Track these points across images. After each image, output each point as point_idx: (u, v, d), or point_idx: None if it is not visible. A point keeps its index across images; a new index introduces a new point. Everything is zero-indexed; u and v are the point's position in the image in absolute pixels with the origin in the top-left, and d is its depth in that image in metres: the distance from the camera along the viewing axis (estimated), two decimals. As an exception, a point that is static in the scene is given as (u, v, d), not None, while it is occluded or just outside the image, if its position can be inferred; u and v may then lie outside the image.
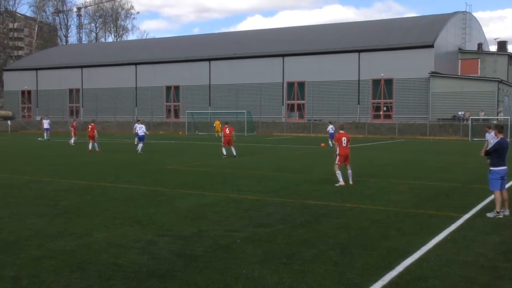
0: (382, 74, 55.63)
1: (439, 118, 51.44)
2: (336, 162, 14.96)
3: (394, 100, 55.78)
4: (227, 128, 25.05)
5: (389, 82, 55.96)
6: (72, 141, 34.64)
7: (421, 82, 54.05)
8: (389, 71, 55.20)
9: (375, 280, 6.37)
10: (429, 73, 53.29)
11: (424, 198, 12.81)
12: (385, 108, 56.85)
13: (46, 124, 43.56)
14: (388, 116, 56.15)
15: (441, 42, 56.42)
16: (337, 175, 14.85)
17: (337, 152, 15.03)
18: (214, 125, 51.55)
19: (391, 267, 6.86)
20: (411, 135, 49.46)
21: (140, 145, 27.47)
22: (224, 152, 24.72)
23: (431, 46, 54.04)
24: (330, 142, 32.41)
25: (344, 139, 15.15)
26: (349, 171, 15.14)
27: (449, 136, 47.37)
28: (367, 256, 7.47)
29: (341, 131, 15.54)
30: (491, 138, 16.60)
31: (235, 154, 24.65)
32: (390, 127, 52.64)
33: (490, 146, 16.44)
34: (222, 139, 25.10)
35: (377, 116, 56.95)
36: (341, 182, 14.70)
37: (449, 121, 50.69)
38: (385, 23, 65.89)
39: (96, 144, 28.80)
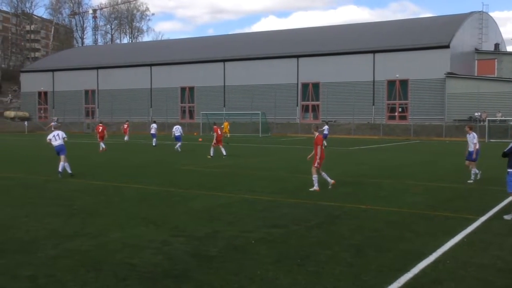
0: (397, 75, 55.30)
1: (455, 119, 50.98)
2: (315, 165, 14.16)
3: (410, 101, 55.42)
4: (219, 129, 25.61)
5: (404, 83, 55.61)
6: (126, 138, 39.05)
7: (437, 83, 53.63)
8: (405, 71, 54.86)
9: (390, 282, 6.32)
10: (445, 74, 52.86)
11: (439, 200, 12.70)
12: (400, 109, 56.51)
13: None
14: (403, 117, 55.80)
15: (457, 43, 55.93)
16: (314, 179, 14.12)
17: (319, 155, 14.16)
18: (222, 126, 51.45)
19: (406, 269, 6.80)
20: (426, 136, 49.08)
21: (179, 144, 29.46)
22: (212, 154, 24.87)
23: (447, 46, 53.60)
24: (324, 142, 32.80)
25: (324, 142, 14.64)
26: (323, 173, 14.37)
27: (465, 138, 46.86)
28: (382, 257, 7.42)
29: (316, 133, 14.51)
30: (472, 139, 16.40)
31: (224, 154, 24.82)
32: (405, 128, 52.31)
33: (470, 147, 16.33)
34: (214, 140, 25.26)
35: (392, 117, 56.62)
36: (317, 187, 14.03)
37: (466, 122, 50.20)
38: (400, 24, 65.51)
39: (102, 144, 30.56)
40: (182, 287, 6.16)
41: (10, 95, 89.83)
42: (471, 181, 15.87)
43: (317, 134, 14.45)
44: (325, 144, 32.73)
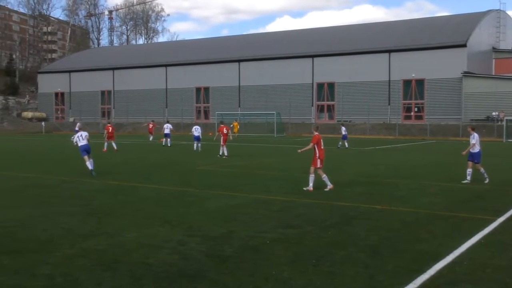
0: (413, 75, 54.92)
1: (472, 119, 50.45)
2: (315, 164, 14.04)
3: (426, 101, 55.01)
4: (224, 128, 25.88)
5: (420, 82, 55.21)
6: (151, 138, 40.06)
7: (454, 82, 53.16)
8: (421, 71, 54.45)
9: (406, 283, 6.27)
10: (461, 73, 52.37)
11: (456, 201, 12.59)
12: (416, 109, 56.11)
13: (77, 127, 45.19)
14: (419, 117, 55.40)
15: (474, 41, 55.36)
16: (310, 178, 13.98)
17: (317, 155, 14.04)
18: (232, 125, 51.30)
19: (422, 270, 6.74)
20: (443, 136, 48.66)
21: (199, 145, 29.93)
22: (221, 152, 25.34)
23: (464, 45, 53.10)
24: (340, 143, 33.79)
25: (321, 141, 14.30)
26: (325, 176, 14.15)
27: (483, 137, 46.36)
28: (398, 258, 7.37)
29: (316, 133, 14.41)
30: (471, 139, 16.14)
31: (226, 154, 25.17)
32: (422, 128, 51.92)
33: (473, 147, 16.04)
34: (221, 139, 25.59)
35: (408, 117, 56.24)
36: (310, 187, 13.92)
37: (483, 122, 49.67)
38: (416, 23, 65.02)
39: (107, 144, 30.68)
40: (197, 287, 6.18)
41: (27, 96, 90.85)
42: (467, 181, 15.58)
43: (315, 133, 14.37)
44: (346, 145, 32.98)
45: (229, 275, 6.60)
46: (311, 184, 14.02)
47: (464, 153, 16.50)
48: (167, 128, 35.40)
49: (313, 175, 14.05)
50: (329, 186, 14.02)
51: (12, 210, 11.08)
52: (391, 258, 7.39)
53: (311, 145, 14.25)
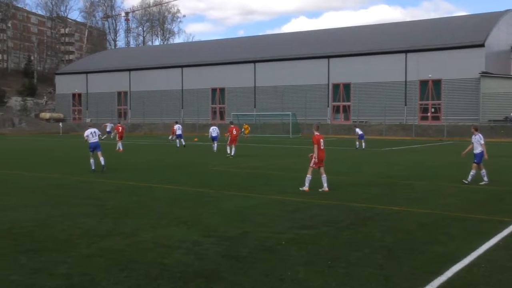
0: (430, 75, 54.49)
1: (490, 120, 49.91)
2: (311, 165, 14.04)
3: (443, 101, 54.55)
4: (234, 129, 26.37)
5: (437, 83, 54.76)
6: (170, 137, 40.23)
7: (471, 83, 52.64)
8: (438, 71, 54.01)
9: (423, 286, 6.22)
10: (479, 73, 51.84)
11: (474, 202, 12.46)
12: (433, 110, 55.65)
13: (108, 127, 47.42)
14: (436, 118, 54.94)
15: (493, 41, 54.76)
16: (307, 179, 14.00)
17: (315, 155, 14.00)
18: (243, 129, 51.14)
19: (439, 272, 6.69)
20: (460, 137, 48.12)
21: (215, 145, 30.18)
22: (228, 151, 25.89)
23: (482, 45, 52.56)
24: (357, 143, 33.88)
25: (322, 141, 14.26)
26: (324, 176, 14.11)
27: (501, 138, 45.86)
28: (414, 260, 7.32)
29: (317, 133, 14.31)
30: (476, 140, 15.82)
31: (232, 153, 25.66)
32: (438, 129, 51.49)
33: (476, 149, 15.73)
34: (228, 139, 26.16)
35: (424, 118, 55.82)
36: (306, 188, 13.94)
37: (501, 122, 49.11)
38: (433, 23, 64.52)
39: (119, 144, 31.49)
40: (212, 287, 6.20)
41: (45, 97, 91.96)
42: (467, 182, 15.39)
43: (316, 133, 14.32)
44: (363, 145, 33.06)
45: (244, 275, 6.61)
46: (307, 184, 14.06)
47: (463, 153, 16.27)
48: (179, 129, 35.86)
49: (310, 176, 14.07)
50: (325, 188, 13.93)
51: (32, 210, 11.22)
52: (407, 259, 7.34)
53: (315, 147, 14.15)
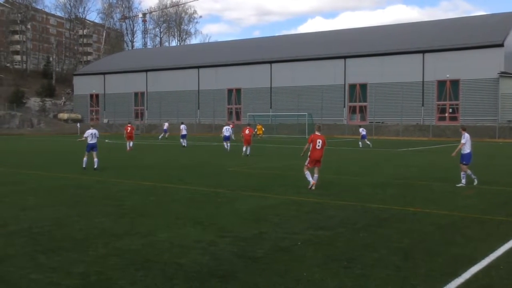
0: (447, 75, 53.97)
1: (510, 120, 49.27)
2: (306, 163, 14.46)
3: (461, 102, 54.00)
4: (247, 129, 27.19)
5: (455, 83, 54.22)
6: (161, 137, 42.33)
7: (490, 83, 52.03)
8: (456, 71, 53.48)
9: (440, 287, 6.17)
10: (498, 73, 51.22)
11: (493, 204, 12.31)
12: (450, 110, 55.10)
13: (165, 126, 49.97)
14: (454, 118, 54.41)
15: (512, 41, 54.09)
16: (306, 175, 14.39)
17: (309, 154, 14.30)
18: (256, 129, 51.14)
19: (457, 274, 6.62)
20: (479, 137, 47.57)
21: (228, 145, 30.82)
22: (244, 151, 26.67)
23: (501, 45, 51.94)
24: (360, 143, 36.10)
25: (320, 142, 14.29)
26: (316, 176, 14.33)
27: (520, 139, 45.24)
28: (432, 262, 7.25)
29: (317, 133, 14.51)
30: (466, 139, 15.53)
31: (248, 153, 26.46)
32: (456, 129, 50.84)
33: (464, 149, 15.44)
34: (243, 140, 27.05)
35: (442, 118, 55.30)
36: (311, 181, 14.29)
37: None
38: (451, 22, 63.92)
39: (129, 143, 32.03)
40: None
41: (63, 98, 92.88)
42: (462, 185, 15.16)
43: (316, 133, 14.49)
44: (369, 144, 34.16)
45: (260, 276, 6.60)
46: (310, 179, 14.27)
47: (454, 154, 16.04)
48: (184, 129, 36.80)
49: (308, 172, 14.38)
50: (311, 185, 14.19)
51: (50, 209, 11.33)
52: (424, 261, 7.28)
53: (309, 146, 14.46)
